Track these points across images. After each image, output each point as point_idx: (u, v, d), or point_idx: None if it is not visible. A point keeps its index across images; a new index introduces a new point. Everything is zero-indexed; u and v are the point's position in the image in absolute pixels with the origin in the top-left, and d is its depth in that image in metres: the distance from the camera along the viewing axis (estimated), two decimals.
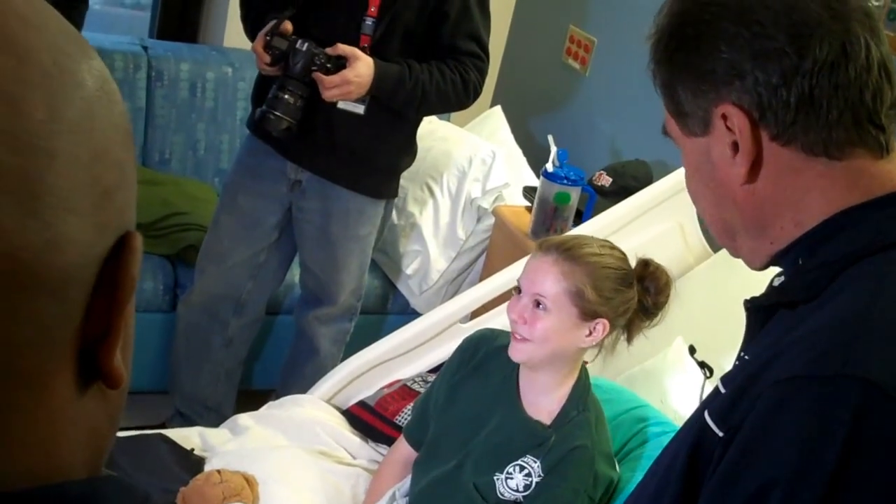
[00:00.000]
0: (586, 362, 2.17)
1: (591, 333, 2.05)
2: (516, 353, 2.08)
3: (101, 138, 0.54)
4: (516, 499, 2.10)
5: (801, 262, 1.12)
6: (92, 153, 0.53)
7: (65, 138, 0.51)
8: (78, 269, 0.52)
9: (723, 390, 1.09)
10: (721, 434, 1.04)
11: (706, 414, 1.08)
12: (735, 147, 1.12)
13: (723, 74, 1.11)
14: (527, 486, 2.09)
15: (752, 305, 1.17)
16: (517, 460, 2.10)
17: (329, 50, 2.76)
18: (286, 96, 2.77)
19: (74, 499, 0.53)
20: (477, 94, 2.97)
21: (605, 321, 2.04)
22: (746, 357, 1.12)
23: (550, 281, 2.03)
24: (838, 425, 0.93)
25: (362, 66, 2.75)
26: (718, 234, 1.23)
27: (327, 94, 2.77)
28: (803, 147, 1.09)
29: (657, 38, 1.19)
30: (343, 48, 2.75)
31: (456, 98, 2.94)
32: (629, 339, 2.14)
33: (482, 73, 2.95)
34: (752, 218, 1.15)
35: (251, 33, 2.93)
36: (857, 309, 1.02)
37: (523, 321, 2.05)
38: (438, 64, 2.88)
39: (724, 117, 1.11)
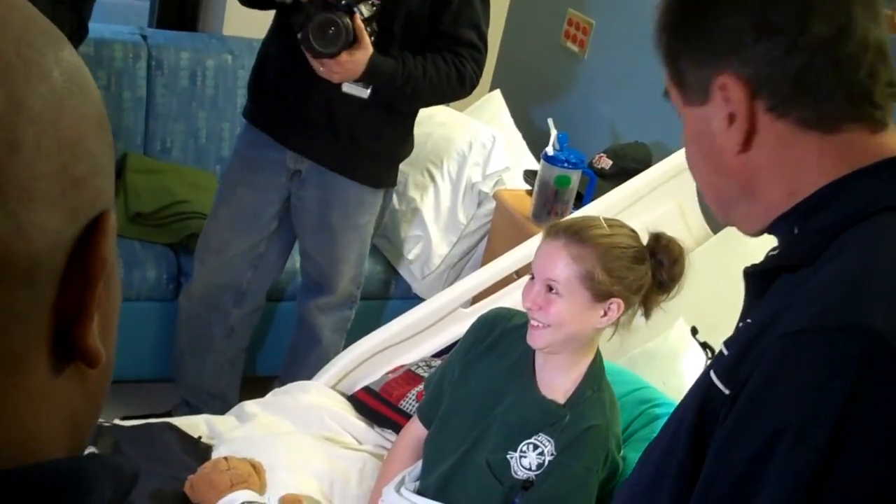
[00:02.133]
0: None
1: (606, 314, 2.06)
2: (535, 339, 2.09)
3: (70, 129, 0.54)
4: (528, 477, 2.10)
5: (796, 231, 1.14)
6: (59, 143, 0.53)
7: (28, 129, 0.51)
8: (46, 255, 0.53)
9: (726, 352, 1.12)
10: (728, 392, 1.06)
11: (712, 373, 1.10)
12: (730, 118, 1.14)
13: (723, 46, 1.13)
14: (539, 465, 2.09)
15: (752, 271, 1.19)
16: (530, 439, 2.11)
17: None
18: (347, 17, 2.67)
19: (57, 478, 0.53)
20: (474, 85, 2.97)
21: (620, 301, 2.05)
22: (749, 321, 1.15)
23: (561, 265, 2.03)
24: (843, 374, 0.96)
25: (359, 53, 2.73)
26: (713, 201, 1.26)
27: (315, 66, 2.75)
28: (797, 120, 1.12)
29: (666, 5, 1.21)
30: (362, 36, 2.71)
31: (451, 91, 2.95)
32: (647, 315, 2.14)
33: (479, 65, 2.95)
34: (746, 187, 1.18)
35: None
36: (859, 264, 1.05)
37: (538, 307, 2.05)
38: (434, 57, 2.87)
39: (723, 88, 1.13)
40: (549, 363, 2.16)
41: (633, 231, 2.11)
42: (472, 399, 2.22)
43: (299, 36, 2.68)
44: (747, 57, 1.11)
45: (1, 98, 0.50)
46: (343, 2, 2.69)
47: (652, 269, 2.09)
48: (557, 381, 2.15)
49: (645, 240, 2.12)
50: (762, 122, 1.13)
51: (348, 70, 2.73)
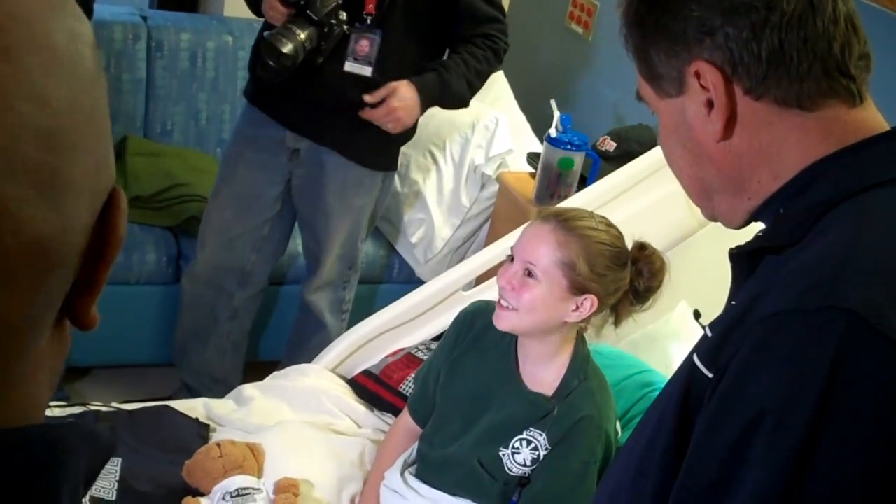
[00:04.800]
0: (585, 329, 2.15)
1: (577, 308, 2.02)
2: (500, 320, 2.06)
3: (101, 119, 0.55)
4: (524, 473, 2.09)
5: (781, 212, 1.14)
6: (96, 137, 0.54)
7: (81, 130, 0.52)
8: (79, 242, 0.54)
9: (710, 334, 1.11)
10: (710, 375, 1.06)
11: (695, 357, 1.10)
12: (709, 104, 1.14)
13: (694, 33, 1.13)
14: (534, 460, 2.08)
15: (738, 252, 1.18)
16: (521, 434, 2.09)
17: (368, 98, 2.83)
18: (298, 31, 2.72)
19: (34, 443, 0.53)
20: (506, 52, 3.04)
21: (594, 298, 2.01)
22: (734, 303, 1.15)
23: (544, 249, 2.00)
24: (823, 356, 0.96)
25: (404, 90, 2.80)
26: (695, 194, 1.25)
27: (374, 116, 2.86)
28: (776, 100, 1.12)
29: (628, 2, 1.21)
30: (380, 92, 2.81)
31: (492, 70, 3.04)
32: (617, 322, 2.11)
33: (506, 35, 3.02)
34: (729, 175, 1.17)
35: (251, 3, 2.92)
36: (841, 245, 1.05)
37: (511, 287, 2.02)
38: (468, 49, 2.92)
39: (698, 75, 1.13)
40: (530, 356, 2.13)
41: (620, 234, 2.08)
42: (461, 400, 2.21)
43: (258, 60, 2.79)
44: (719, 41, 1.11)
45: (62, 97, 0.51)
46: (321, 9, 2.73)
47: (630, 277, 2.06)
48: (541, 373, 2.12)
49: (630, 246, 2.09)
50: (741, 105, 1.13)
51: (407, 107, 2.85)
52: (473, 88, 2.99)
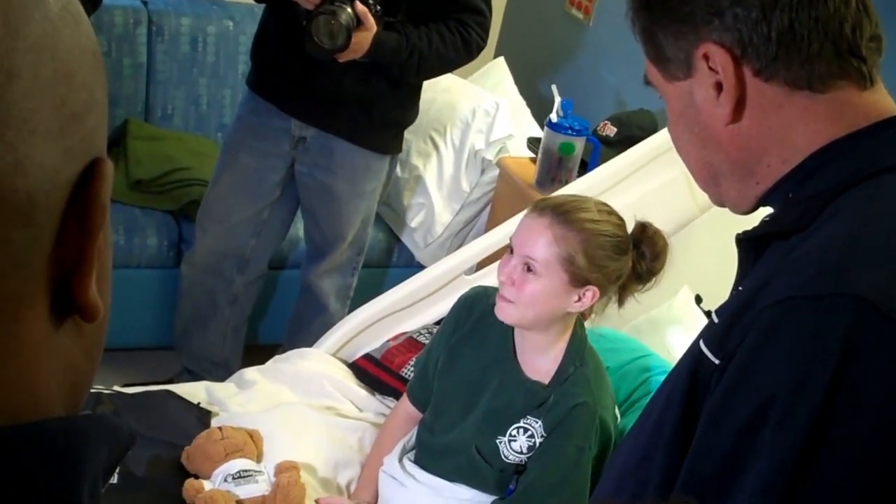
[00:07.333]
0: (586, 316, 2.15)
1: (580, 300, 2.01)
2: (501, 313, 2.05)
3: (67, 59, 0.51)
4: (521, 461, 2.09)
5: (790, 196, 1.12)
6: (56, 74, 0.51)
7: (26, 57, 0.49)
8: (45, 194, 0.50)
9: (717, 320, 1.10)
10: (717, 361, 1.05)
11: (702, 343, 1.09)
12: (718, 87, 1.12)
13: (702, 14, 1.11)
14: (530, 448, 2.08)
15: (745, 237, 1.17)
16: (518, 422, 2.09)
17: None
18: (345, 6, 2.63)
19: (55, 436, 0.51)
20: (480, 50, 2.94)
21: (596, 289, 2.00)
22: (741, 289, 1.13)
23: (542, 244, 1.98)
24: (832, 342, 0.95)
25: (363, 34, 2.69)
26: (703, 180, 1.23)
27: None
28: (786, 81, 1.10)
29: None
30: (361, 10, 2.68)
31: (458, 59, 2.92)
32: (620, 303, 2.10)
33: (485, 30, 2.92)
34: (738, 159, 1.15)
35: None
36: (849, 231, 1.03)
37: (511, 282, 2.01)
38: (438, 27, 2.84)
39: (706, 57, 1.11)
40: (527, 343, 2.13)
41: (622, 220, 2.06)
42: (460, 386, 2.21)
43: (305, 39, 2.65)
44: (727, 22, 1.09)
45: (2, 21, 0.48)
46: None
47: (633, 260, 2.04)
48: (539, 361, 2.12)
49: (631, 226, 2.07)
50: (750, 87, 1.11)
51: (352, 50, 2.70)
52: (424, 69, 2.88)
